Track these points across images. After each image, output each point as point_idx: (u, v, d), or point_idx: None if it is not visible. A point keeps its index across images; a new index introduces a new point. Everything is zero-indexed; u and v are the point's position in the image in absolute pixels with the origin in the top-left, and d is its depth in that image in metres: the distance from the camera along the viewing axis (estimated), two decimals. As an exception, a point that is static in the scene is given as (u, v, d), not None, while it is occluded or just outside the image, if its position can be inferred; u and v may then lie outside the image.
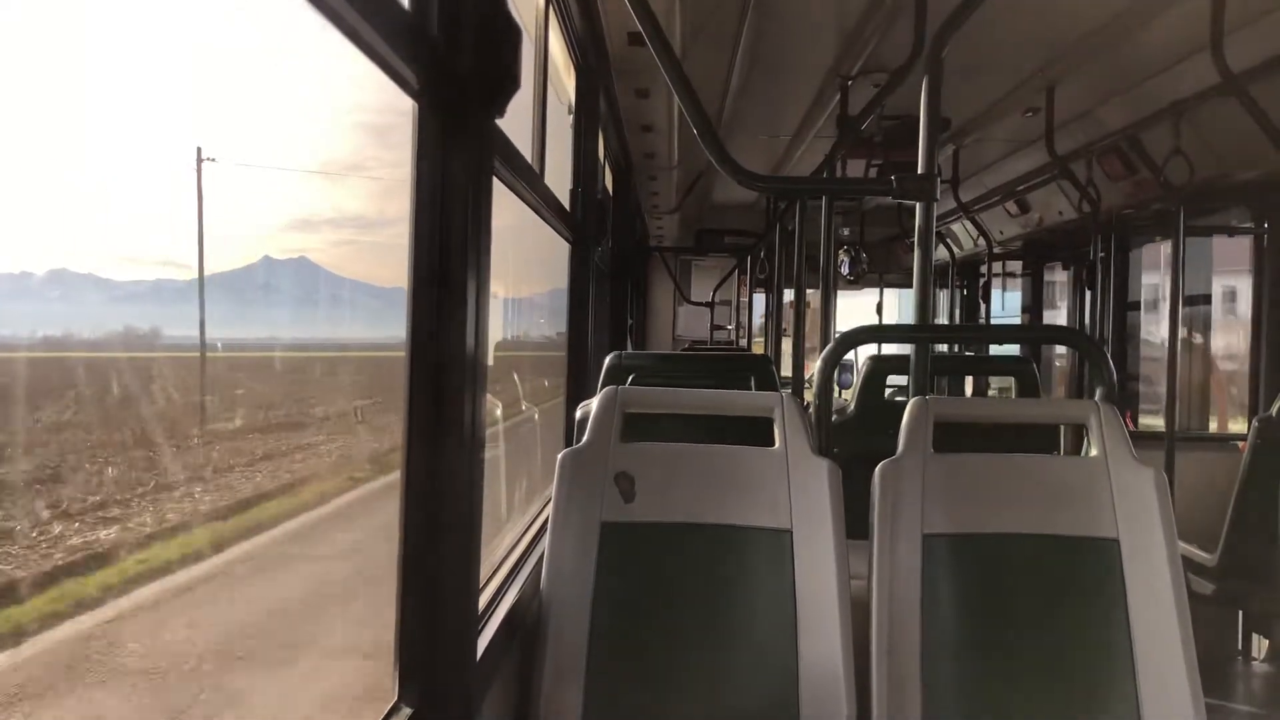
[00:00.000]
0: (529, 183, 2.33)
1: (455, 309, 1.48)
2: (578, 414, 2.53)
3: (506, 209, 1.60)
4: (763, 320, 10.33)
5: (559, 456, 2.18)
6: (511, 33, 1.53)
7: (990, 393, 6.75)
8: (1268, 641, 4.31)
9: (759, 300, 10.34)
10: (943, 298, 9.32)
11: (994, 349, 7.35)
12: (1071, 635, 2.08)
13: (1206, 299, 5.79)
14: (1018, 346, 7.12)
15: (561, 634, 2.05)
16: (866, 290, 9.98)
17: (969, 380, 7.47)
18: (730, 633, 2.08)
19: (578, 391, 3.55)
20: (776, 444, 2.20)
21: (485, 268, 1.55)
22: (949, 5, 2.75)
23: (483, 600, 1.91)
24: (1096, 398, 2.28)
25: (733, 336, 10.89)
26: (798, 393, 4.69)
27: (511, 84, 1.55)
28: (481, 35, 1.50)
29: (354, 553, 2.89)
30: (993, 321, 7.58)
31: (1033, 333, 5.91)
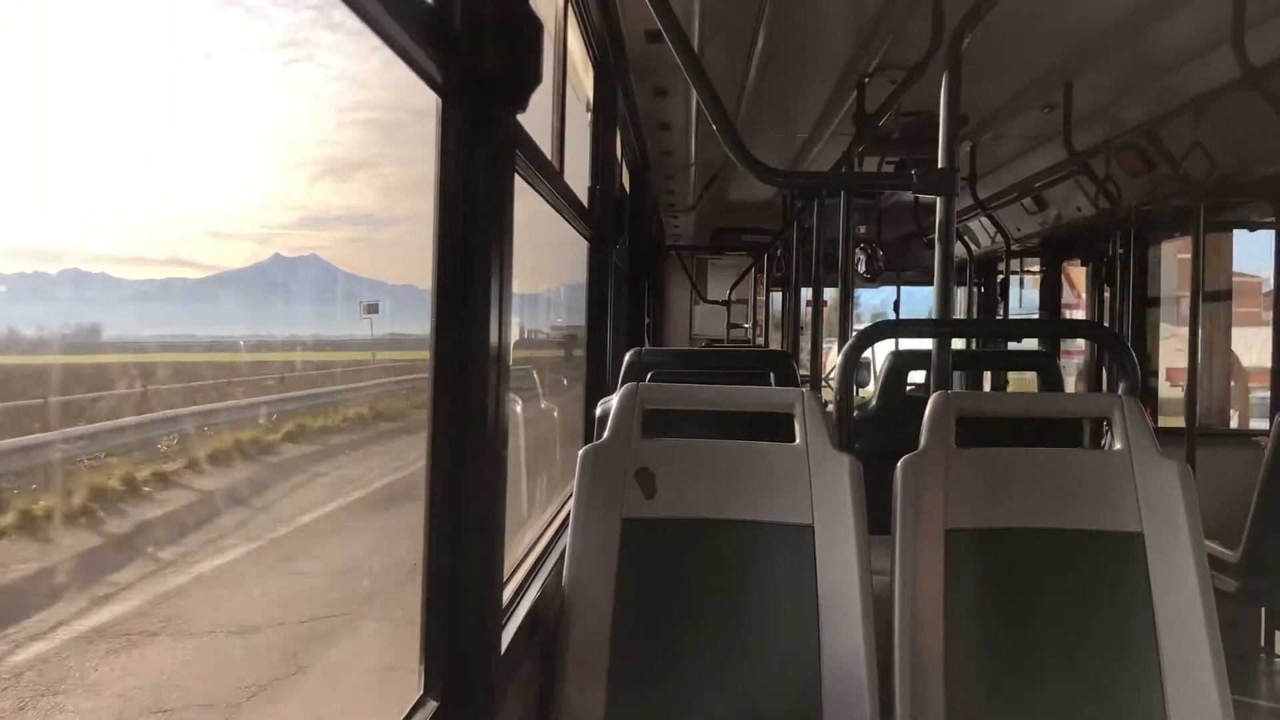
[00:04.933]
0: (549, 179, 2.33)
1: (478, 305, 1.48)
2: (598, 410, 2.53)
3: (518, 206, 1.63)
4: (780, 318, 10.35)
5: (580, 453, 2.18)
6: (533, 27, 1.54)
7: (1010, 388, 6.72)
8: None
9: (775, 298, 10.35)
10: (960, 295, 9.29)
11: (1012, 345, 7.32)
12: (1096, 630, 2.06)
13: (1228, 294, 5.74)
14: (1037, 342, 7.09)
15: (583, 630, 2.05)
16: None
17: (986, 376, 7.44)
18: (752, 628, 2.08)
19: (597, 388, 3.55)
20: (797, 439, 2.19)
21: (508, 263, 1.55)
22: (967, 0, 2.74)
23: (505, 596, 1.91)
24: (1120, 391, 2.27)
25: (749, 335, 10.88)
26: (817, 388, 4.68)
27: (533, 78, 1.55)
28: (503, 30, 1.50)
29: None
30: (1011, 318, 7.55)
31: (1054, 327, 5.86)
